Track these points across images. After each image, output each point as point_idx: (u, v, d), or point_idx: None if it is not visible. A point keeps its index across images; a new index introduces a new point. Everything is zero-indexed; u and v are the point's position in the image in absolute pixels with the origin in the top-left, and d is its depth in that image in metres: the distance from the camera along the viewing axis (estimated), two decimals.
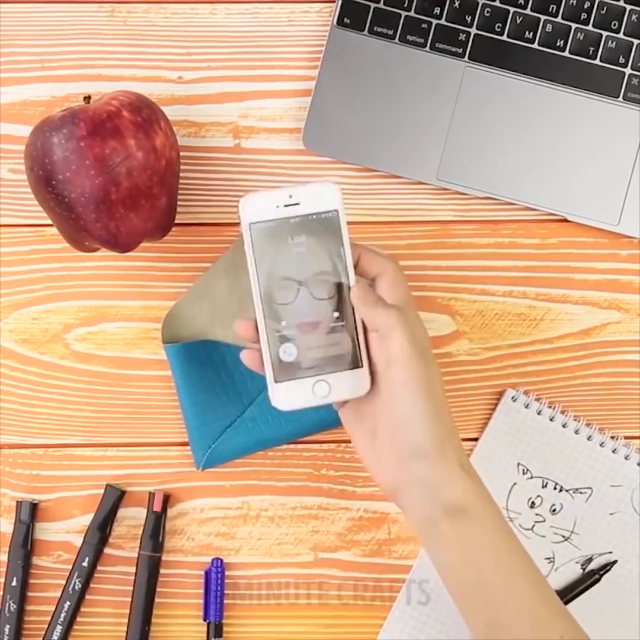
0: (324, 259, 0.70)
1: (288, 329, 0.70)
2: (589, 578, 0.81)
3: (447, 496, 0.68)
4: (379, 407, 0.70)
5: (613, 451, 0.82)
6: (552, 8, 0.82)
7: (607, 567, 0.81)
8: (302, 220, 0.70)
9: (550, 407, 0.82)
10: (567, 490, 0.82)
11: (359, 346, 0.71)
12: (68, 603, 0.81)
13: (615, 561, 0.81)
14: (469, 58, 0.82)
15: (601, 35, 0.82)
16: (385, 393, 0.70)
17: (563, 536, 0.82)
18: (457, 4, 0.82)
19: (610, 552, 0.82)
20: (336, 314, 0.71)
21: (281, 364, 0.70)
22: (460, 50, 0.82)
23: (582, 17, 0.82)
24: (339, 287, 0.71)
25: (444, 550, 0.69)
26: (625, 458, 0.82)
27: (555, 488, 0.82)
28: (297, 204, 0.70)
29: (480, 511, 0.69)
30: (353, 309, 0.71)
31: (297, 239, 0.70)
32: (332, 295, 0.71)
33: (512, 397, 0.82)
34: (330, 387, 0.71)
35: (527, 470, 0.82)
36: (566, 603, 0.81)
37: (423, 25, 0.82)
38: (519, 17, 0.82)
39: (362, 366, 0.71)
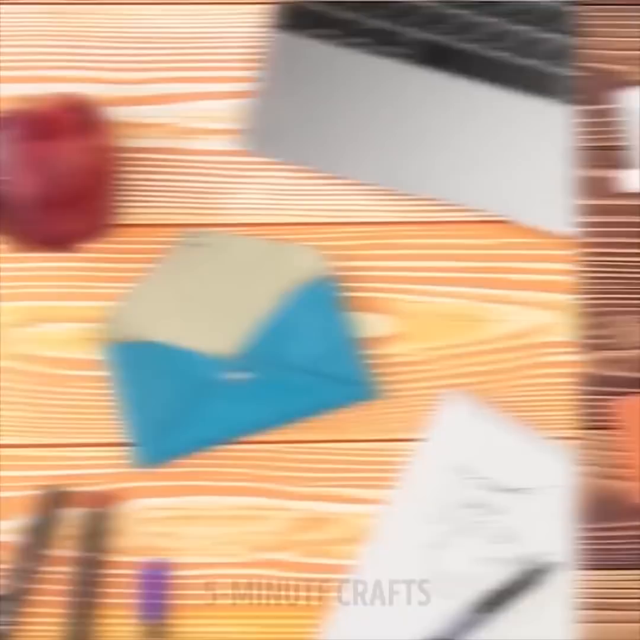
0: None
1: None
2: (527, 579, 0.81)
3: None
4: None
5: (551, 451, 0.82)
6: (488, 9, 0.82)
7: (544, 569, 0.81)
8: None
9: (489, 408, 0.83)
10: (507, 491, 0.82)
11: None
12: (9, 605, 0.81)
13: (554, 563, 0.82)
14: (408, 59, 0.82)
15: (533, 35, 0.82)
16: None
17: (504, 537, 0.82)
18: (396, 6, 0.82)
19: (550, 553, 0.82)
20: None
21: None
22: (400, 51, 0.82)
23: (516, 18, 0.82)
24: None
25: None
26: (563, 458, 0.82)
27: (495, 489, 0.82)
28: None
29: None
30: None
31: None
32: None
33: (452, 399, 0.82)
34: None
35: (468, 471, 0.82)
36: (504, 604, 0.81)
37: (362, 27, 0.82)
38: (455, 19, 0.82)
39: None
